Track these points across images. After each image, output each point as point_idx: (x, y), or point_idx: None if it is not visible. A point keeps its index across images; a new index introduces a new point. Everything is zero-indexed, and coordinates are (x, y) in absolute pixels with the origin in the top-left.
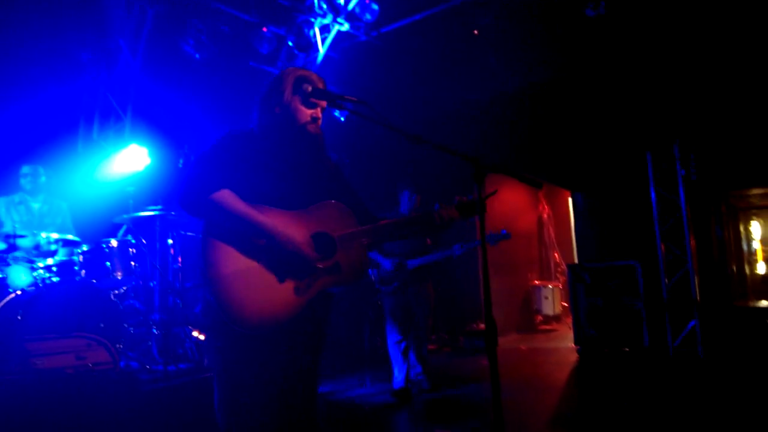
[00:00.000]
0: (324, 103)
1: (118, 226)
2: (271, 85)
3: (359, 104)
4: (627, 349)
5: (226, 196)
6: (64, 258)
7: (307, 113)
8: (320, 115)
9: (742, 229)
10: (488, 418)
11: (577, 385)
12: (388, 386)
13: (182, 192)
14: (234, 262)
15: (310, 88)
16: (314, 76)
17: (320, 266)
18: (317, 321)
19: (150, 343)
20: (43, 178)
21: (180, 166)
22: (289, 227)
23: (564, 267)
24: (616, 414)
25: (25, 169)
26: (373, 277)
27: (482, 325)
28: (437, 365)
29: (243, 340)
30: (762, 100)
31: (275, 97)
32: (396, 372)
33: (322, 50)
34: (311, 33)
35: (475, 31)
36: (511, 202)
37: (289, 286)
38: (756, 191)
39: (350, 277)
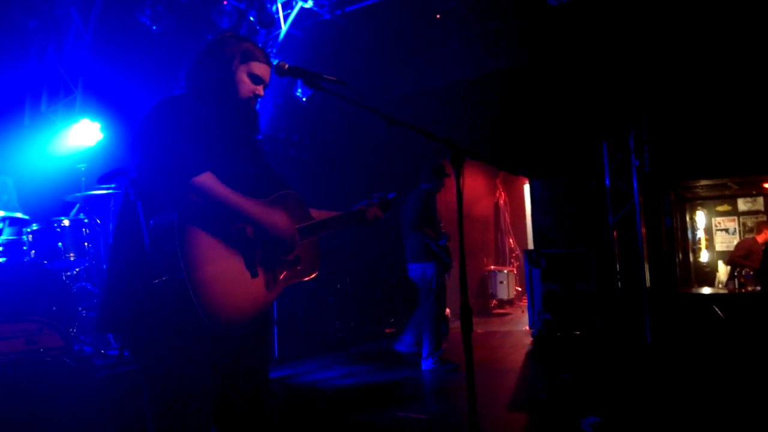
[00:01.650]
0: (267, 82)
1: (71, 205)
2: (212, 46)
3: (337, 84)
4: (578, 333)
5: (210, 180)
6: (11, 237)
7: (250, 88)
8: (262, 93)
9: (688, 218)
10: (449, 402)
11: (532, 367)
12: (349, 369)
13: (152, 176)
14: (214, 254)
15: (256, 66)
16: (260, 52)
17: (288, 259)
18: (270, 312)
19: None
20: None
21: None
22: (273, 215)
23: (518, 252)
24: (569, 396)
25: None
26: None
27: None
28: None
29: (207, 338)
30: (712, 96)
31: (217, 61)
32: (431, 348)
33: (284, 27)
34: (274, 8)
35: (438, 15)
36: (469, 188)
37: (260, 281)
38: (702, 182)
39: (308, 270)
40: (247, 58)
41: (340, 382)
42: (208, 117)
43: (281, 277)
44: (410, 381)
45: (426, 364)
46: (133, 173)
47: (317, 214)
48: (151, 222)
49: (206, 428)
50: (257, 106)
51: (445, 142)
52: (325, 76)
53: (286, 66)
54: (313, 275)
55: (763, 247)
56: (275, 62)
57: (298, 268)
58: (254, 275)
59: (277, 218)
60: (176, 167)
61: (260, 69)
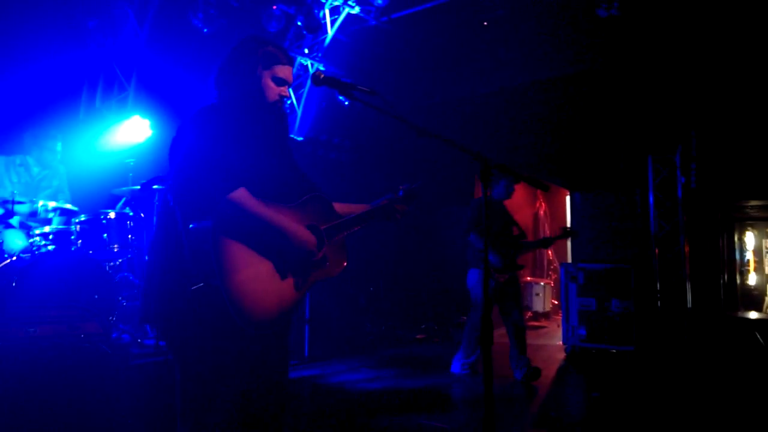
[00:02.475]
0: (291, 82)
1: (117, 198)
2: (236, 53)
3: (370, 94)
4: (614, 351)
5: (244, 196)
6: (60, 227)
7: (276, 91)
8: (287, 94)
9: (736, 239)
10: (474, 413)
11: (563, 384)
12: (377, 373)
13: (191, 190)
14: (247, 262)
15: (279, 69)
16: (281, 53)
17: (315, 260)
18: (296, 310)
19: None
20: (59, 146)
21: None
22: (299, 228)
23: (557, 265)
24: (597, 416)
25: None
26: (493, 262)
27: None
28: (427, 355)
29: (240, 338)
30: (765, 114)
31: (243, 69)
32: (461, 354)
33: (330, 32)
34: (321, 14)
35: (485, 23)
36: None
37: (289, 282)
38: (753, 203)
39: (334, 268)
40: (270, 63)
41: (366, 386)
42: (239, 124)
43: (309, 277)
44: (437, 389)
45: (454, 367)
46: (170, 181)
47: (342, 208)
48: (190, 228)
49: (233, 419)
50: (285, 107)
51: (475, 156)
52: (359, 87)
53: (322, 76)
54: (339, 270)
55: None
56: (314, 68)
57: (326, 266)
58: (284, 278)
59: (302, 227)
60: (212, 182)
61: (284, 71)
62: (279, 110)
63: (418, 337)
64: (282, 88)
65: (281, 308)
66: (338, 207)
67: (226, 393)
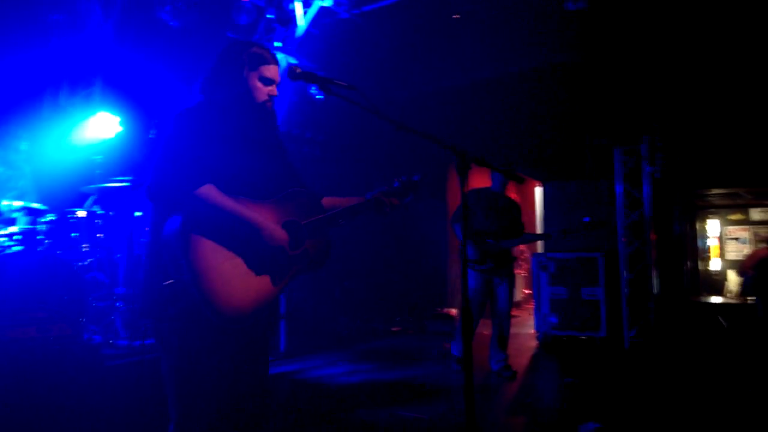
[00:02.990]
0: (278, 81)
1: (86, 196)
2: (222, 58)
3: (348, 88)
4: (584, 338)
5: (212, 192)
6: (27, 227)
7: (264, 91)
8: (276, 92)
9: (698, 226)
10: (451, 403)
11: (537, 371)
12: (354, 366)
13: (160, 186)
14: (216, 257)
15: (266, 69)
16: (267, 53)
17: (292, 254)
18: (276, 304)
19: (114, 317)
20: (23, 145)
21: (151, 136)
22: (270, 222)
23: (527, 255)
24: (571, 401)
25: None
26: (469, 255)
27: (446, 310)
28: (403, 348)
29: (215, 331)
30: (727, 105)
31: (230, 72)
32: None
33: (302, 25)
34: (292, 7)
35: (455, 16)
36: None
37: (265, 277)
38: (715, 191)
39: (316, 262)
40: (256, 63)
41: (344, 379)
42: (225, 125)
43: (288, 272)
44: (415, 380)
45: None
46: (147, 181)
47: (331, 202)
48: (164, 228)
49: (217, 413)
50: (274, 105)
51: (452, 149)
52: (336, 81)
53: (299, 70)
54: (321, 264)
55: None
56: (288, 65)
57: (308, 260)
58: (259, 273)
59: (274, 227)
60: (181, 179)
61: (270, 71)
62: (267, 109)
63: (393, 329)
64: (270, 88)
65: (257, 303)
66: (328, 201)
67: (207, 387)
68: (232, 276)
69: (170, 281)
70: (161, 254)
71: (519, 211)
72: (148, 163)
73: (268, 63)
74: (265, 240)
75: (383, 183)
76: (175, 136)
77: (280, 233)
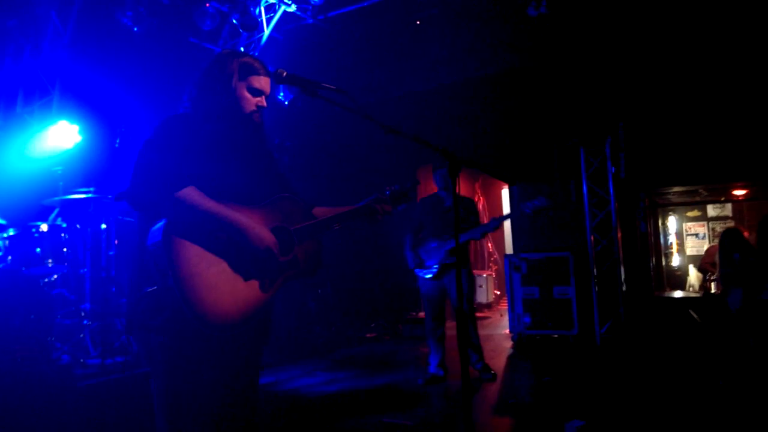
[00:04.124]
0: (268, 92)
1: (49, 209)
2: (212, 67)
3: (335, 92)
4: (557, 336)
5: (194, 194)
6: None
7: (252, 101)
8: (265, 104)
9: (660, 223)
10: (432, 407)
11: (514, 371)
12: (332, 375)
13: (141, 190)
14: (201, 262)
15: (255, 80)
16: (258, 64)
17: (282, 260)
18: (268, 312)
19: (83, 334)
20: None
21: (117, 146)
22: (257, 224)
23: (497, 256)
24: (553, 399)
25: None
26: (408, 261)
27: (420, 314)
28: (379, 353)
29: (202, 340)
30: (685, 106)
31: (218, 82)
32: (430, 358)
33: (266, 30)
34: (257, 11)
35: (418, 22)
36: None
37: (254, 283)
38: (675, 189)
39: (307, 269)
40: (245, 73)
41: (323, 389)
42: (210, 134)
43: (278, 277)
44: (394, 386)
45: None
46: (126, 186)
47: (322, 212)
48: (148, 234)
49: (205, 425)
50: (262, 117)
51: (442, 152)
52: (324, 85)
53: (285, 74)
54: (313, 271)
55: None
56: (274, 68)
57: (298, 267)
58: (247, 278)
59: (261, 230)
60: (161, 182)
61: (259, 82)
62: (255, 120)
63: (368, 335)
64: (259, 99)
65: (245, 310)
66: (320, 211)
67: (195, 399)
68: (218, 281)
69: (153, 288)
70: (144, 262)
71: (471, 208)
72: (121, 171)
73: (258, 74)
74: (251, 242)
75: (351, 190)
76: (157, 141)
77: (267, 236)
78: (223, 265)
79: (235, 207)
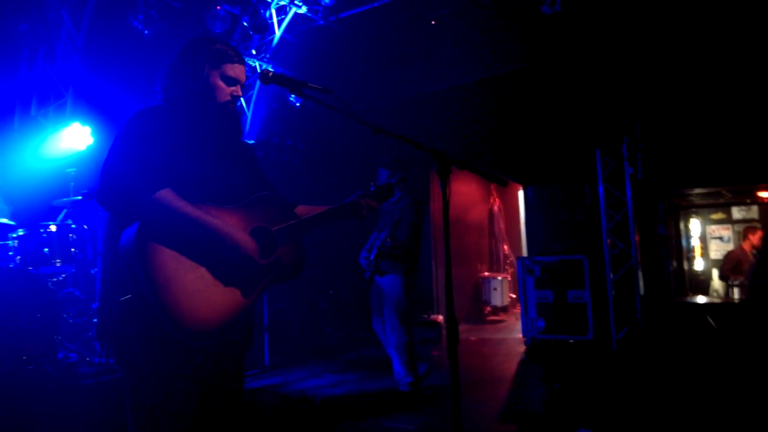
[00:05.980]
0: (243, 81)
1: (58, 210)
2: (182, 55)
3: (323, 92)
4: (572, 341)
5: (170, 197)
6: None
7: (227, 91)
8: (240, 93)
9: (682, 226)
10: (438, 412)
11: (525, 376)
12: (340, 377)
13: (114, 191)
14: (178, 267)
15: (229, 68)
16: (232, 51)
17: (263, 263)
18: (250, 317)
19: (91, 333)
20: None
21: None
22: (234, 229)
23: (513, 259)
24: (561, 407)
25: None
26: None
27: (433, 317)
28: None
29: (180, 350)
30: (706, 105)
31: (189, 70)
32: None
33: (278, 32)
34: (267, 14)
35: (432, 22)
36: (463, 194)
37: (234, 289)
38: (696, 191)
39: (290, 271)
40: (218, 61)
41: (330, 391)
42: (183, 126)
43: (259, 282)
44: (401, 390)
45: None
46: (95, 186)
47: (305, 210)
48: (121, 238)
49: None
50: (237, 107)
51: (432, 152)
52: (311, 85)
53: (271, 74)
54: (296, 273)
55: (750, 255)
56: (261, 69)
57: (280, 269)
58: (226, 284)
59: (239, 234)
60: (135, 183)
61: (234, 70)
62: (230, 111)
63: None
64: (233, 88)
65: (226, 317)
66: (303, 210)
67: (171, 412)
68: (196, 288)
69: (127, 297)
70: (119, 267)
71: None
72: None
73: (233, 61)
74: (229, 249)
75: (343, 194)
76: (128, 138)
77: (246, 241)
78: (201, 271)
79: (213, 209)
